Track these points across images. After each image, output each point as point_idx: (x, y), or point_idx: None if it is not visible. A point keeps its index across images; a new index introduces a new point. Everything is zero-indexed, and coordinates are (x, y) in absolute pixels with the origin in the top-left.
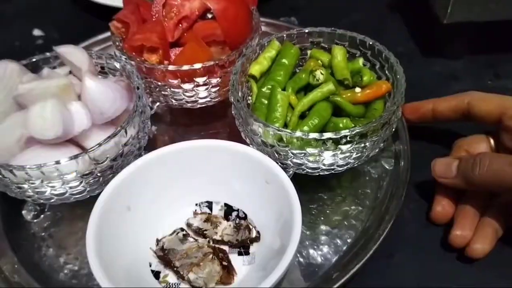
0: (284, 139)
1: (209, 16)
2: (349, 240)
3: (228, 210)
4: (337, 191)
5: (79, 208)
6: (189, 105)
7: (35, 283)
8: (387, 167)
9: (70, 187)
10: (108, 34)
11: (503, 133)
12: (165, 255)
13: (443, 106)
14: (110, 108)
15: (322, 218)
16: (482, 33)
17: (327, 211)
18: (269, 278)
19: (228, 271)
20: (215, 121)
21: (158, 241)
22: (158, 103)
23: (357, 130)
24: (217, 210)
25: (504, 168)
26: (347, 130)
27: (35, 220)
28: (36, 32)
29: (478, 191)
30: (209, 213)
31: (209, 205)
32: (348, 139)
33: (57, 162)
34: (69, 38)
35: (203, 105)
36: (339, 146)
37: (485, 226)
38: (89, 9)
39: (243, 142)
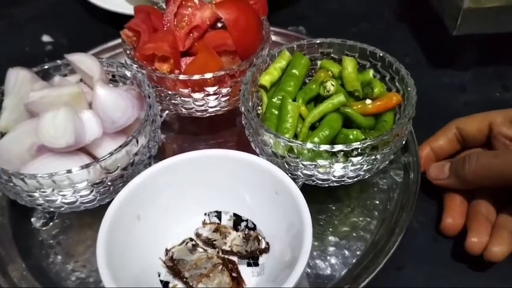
0: (295, 150)
1: (219, 25)
2: (358, 252)
3: (237, 220)
4: (346, 202)
5: (87, 216)
6: (198, 114)
7: None
8: (396, 179)
9: (81, 196)
10: (117, 41)
11: (495, 141)
12: (174, 265)
13: (437, 143)
14: (121, 117)
15: (330, 229)
16: (491, 45)
17: (336, 222)
18: None
19: (238, 282)
20: (223, 130)
21: (167, 251)
22: (167, 111)
23: (369, 143)
24: (226, 220)
25: (490, 161)
26: (359, 143)
27: (44, 228)
28: (45, 38)
29: (480, 192)
30: (218, 223)
31: (218, 215)
32: (359, 151)
33: (69, 171)
34: (78, 44)
35: (212, 114)
36: (350, 158)
37: (500, 229)
38: (98, 16)
39: (251, 151)
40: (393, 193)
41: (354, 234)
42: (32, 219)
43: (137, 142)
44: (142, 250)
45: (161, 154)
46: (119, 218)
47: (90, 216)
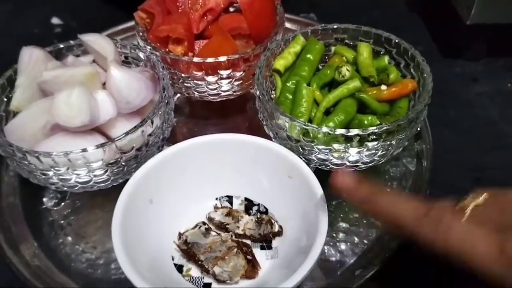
0: (310, 134)
1: (231, 9)
2: (369, 238)
3: (249, 204)
4: None
5: (99, 197)
6: (210, 97)
7: (54, 268)
8: (409, 166)
9: (95, 175)
10: (127, 24)
11: None
12: (189, 249)
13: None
14: (136, 98)
15: (341, 215)
16: (504, 35)
17: (346, 209)
18: (294, 277)
19: (253, 265)
20: (234, 115)
21: (180, 234)
22: (178, 95)
23: (385, 127)
24: (237, 205)
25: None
26: (375, 127)
27: (55, 208)
28: (55, 20)
29: None
30: (230, 208)
31: (230, 199)
32: (375, 136)
33: (84, 150)
34: (87, 27)
35: (224, 98)
36: (366, 143)
37: None
38: None
39: (263, 136)
40: (406, 182)
41: (365, 221)
42: (44, 199)
43: (152, 123)
44: (155, 234)
45: (171, 138)
46: (132, 202)
47: (101, 197)
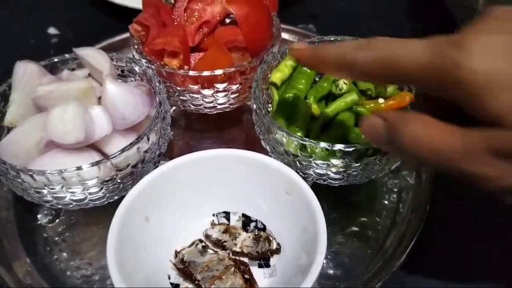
0: (308, 149)
1: (227, 21)
2: (370, 254)
3: (246, 220)
4: (354, 201)
5: (94, 214)
6: (207, 110)
7: (48, 286)
8: (408, 179)
9: (90, 193)
10: (124, 35)
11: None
12: (185, 268)
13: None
14: (132, 114)
15: (340, 229)
16: None
17: (344, 222)
18: None
19: (251, 284)
20: (230, 127)
21: (177, 253)
22: (174, 107)
23: None
24: (235, 221)
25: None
26: None
27: (50, 224)
28: (51, 30)
29: None
30: (227, 224)
31: (227, 215)
32: (373, 150)
33: (79, 168)
34: (84, 38)
35: (220, 111)
36: (364, 157)
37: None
38: (105, 9)
39: (259, 148)
40: (406, 195)
41: (364, 235)
42: (39, 216)
43: (148, 139)
44: (151, 252)
45: (168, 151)
46: (128, 219)
47: (96, 214)
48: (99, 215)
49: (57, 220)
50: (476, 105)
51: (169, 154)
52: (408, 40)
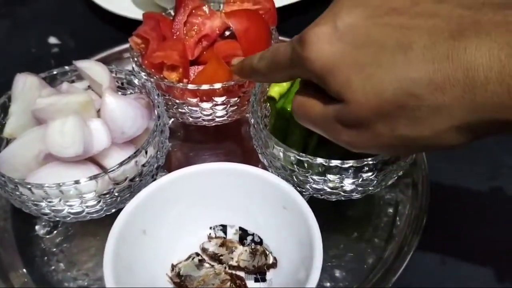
0: (305, 165)
1: (226, 33)
2: (366, 267)
3: (243, 234)
4: (351, 215)
5: (91, 225)
6: (205, 123)
7: None
8: (405, 193)
9: (87, 206)
10: (124, 46)
11: None
12: (181, 282)
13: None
14: (131, 127)
15: (336, 243)
16: None
17: (340, 236)
18: None
19: None
20: (228, 139)
21: (173, 266)
22: (172, 119)
23: (380, 159)
24: (232, 234)
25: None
26: (370, 159)
27: (47, 236)
28: (52, 40)
29: None
30: (224, 237)
31: (224, 228)
32: (370, 167)
33: (77, 182)
34: (85, 47)
35: (219, 123)
36: (360, 173)
37: None
38: (106, 19)
39: (257, 160)
40: (403, 209)
41: (360, 249)
42: (36, 227)
43: (146, 153)
44: (148, 265)
45: (166, 163)
46: (125, 232)
47: (93, 225)
48: (96, 226)
49: (55, 232)
50: (325, 86)
51: (167, 165)
52: (285, 42)
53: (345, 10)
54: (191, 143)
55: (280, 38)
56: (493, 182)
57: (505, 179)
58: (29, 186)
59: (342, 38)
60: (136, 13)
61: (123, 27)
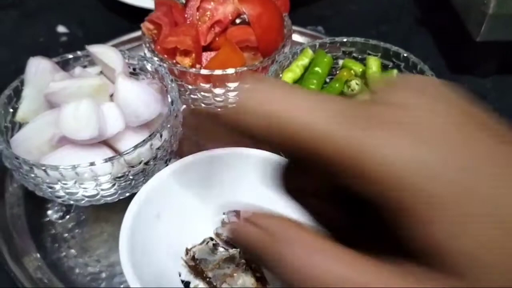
0: None
1: (237, 21)
2: None
3: None
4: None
5: (103, 210)
6: (217, 109)
7: (57, 281)
8: None
9: (102, 189)
10: (133, 35)
11: None
12: (196, 265)
13: None
14: (145, 111)
15: None
16: None
17: None
18: None
19: (262, 282)
20: None
21: (188, 250)
22: (184, 106)
23: None
24: None
25: None
26: None
27: (60, 221)
28: (61, 29)
29: None
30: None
31: (237, 214)
32: None
33: (92, 164)
34: (93, 36)
35: None
36: None
37: None
38: (115, 8)
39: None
40: None
41: None
42: (49, 212)
43: (161, 136)
44: (162, 249)
45: (177, 150)
46: (140, 216)
47: (106, 210)
48: (108, 212)
49: (67, 217)
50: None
51: (179, 152)
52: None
53: None
54: (203, 130)
55: (293, 27)
56: None
57: None
58: (44, 168)
59: None
60: (144, 2)
61: (131, 16)
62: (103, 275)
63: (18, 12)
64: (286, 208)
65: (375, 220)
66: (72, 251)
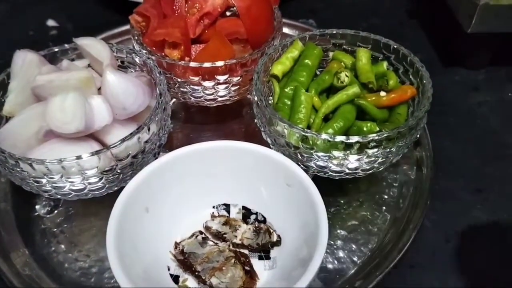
0: (310, 141)
1: (228, 13)
2: (369, 248)
3: (247, 213)
4: (354, 195)
5: (92, 205)
6: (207, 103)
7: (46, 277)
8: (409, 174)
9: (89, 183)
10: (122, 28)
11: None
12: (185, 259)
13: None
14: (133, 104)
15: (339, 223)
16: (506, 45)
17: (344, 216)
18: None
19: (251, 276)
20: (230, 120)
21: (177, 244)
22: (174, 100)
23: (385, 135)
24: (235, 213)
25: None
26: (375, 134)
27: (48, 216)
28: (50, 22)
29: None
30: (227, 216)
31: (227, 207)
32: (375, 143)
33: (78, 157)
34: (83, 30)
35: (221, 104)
36: (366, 150)
37: None
38: (105, 2)
39: (259, 141)
40: (406, 190)
41: (363, 229)
42: (37, 207)
43: (149, 129)
44: (150, 243)
45: (167, 144)
46: (128, 210)
47: (95, 205)
48: (97, 206)
49: (56, 211)
50: None
51: (169, 146)
52: None
53: None
54: (193, 124)
55: (284, 20)
56: (497, 162)
57: (510, 160)
58: (30, 162)
59: None
60: None
61: (121, 9)
62: (93, 270)
63: (8, 5)
64: (272, 197)
65: None
66: (61, 246)
